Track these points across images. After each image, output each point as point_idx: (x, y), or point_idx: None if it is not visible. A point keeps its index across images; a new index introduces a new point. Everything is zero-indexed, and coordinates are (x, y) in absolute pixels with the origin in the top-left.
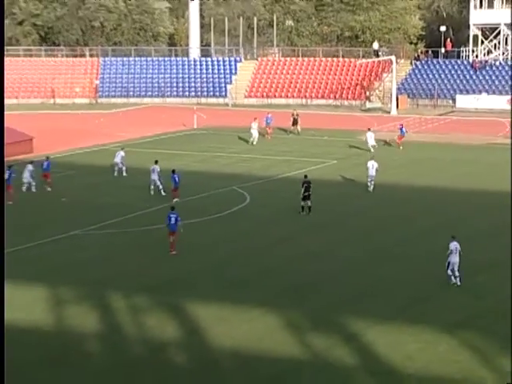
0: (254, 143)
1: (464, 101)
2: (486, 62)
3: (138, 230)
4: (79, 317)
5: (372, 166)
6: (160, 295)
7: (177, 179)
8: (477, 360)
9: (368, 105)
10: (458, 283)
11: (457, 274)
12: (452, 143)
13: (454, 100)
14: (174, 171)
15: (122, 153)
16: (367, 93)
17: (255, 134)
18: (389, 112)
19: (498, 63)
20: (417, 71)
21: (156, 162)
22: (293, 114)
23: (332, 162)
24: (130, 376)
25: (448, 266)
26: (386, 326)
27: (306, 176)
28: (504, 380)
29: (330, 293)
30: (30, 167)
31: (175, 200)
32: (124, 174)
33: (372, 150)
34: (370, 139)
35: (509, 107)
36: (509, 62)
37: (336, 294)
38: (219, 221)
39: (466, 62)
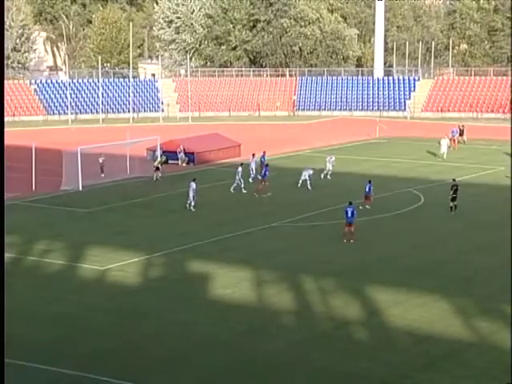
0: (445, 157)
1: None
2: None
3: (325, 223)
4: (276, 295)
5: None
6: (344, 280)
7: (367, 188)
8: None
9: None
10: None
11: None
12: None
13: None
14: (370, 181)
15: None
16: None
17: (444, 149)
18: None
19: None
20: None
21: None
22: (459, 126)
23: (500, 168)
24: (318, 347)
25: None
26: None
27: (454, 180)
28: None
29: (496, 284)
30: (239, 169)
31: (367, 206)
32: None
33: None
34: None
35: None
36: None
37: (502, 285)
38: (397, 217)
39: None
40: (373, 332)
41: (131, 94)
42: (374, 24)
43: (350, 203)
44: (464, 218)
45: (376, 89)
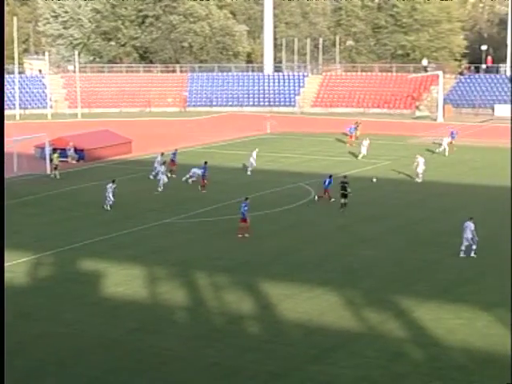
0: (360, 158)
1: (502, 110)
2: None
3: (217, 219)
4: (169, 292)
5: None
6: (237, 275)
7: (326, 183)
8: (509, 334)
9: (417, 113)
10: (474, 255)
11: (462, 247)
12: (491, 147)
13: (493, 109)
14: (330, 176)
15: (159, 158)
16: (417, 103)
17: (364, 150)
18: (435, 120)
19: None
20: (460, 84)
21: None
22: (356, 122)
23: (385, 162)
24: (211, 342)
25: (462, 242)
26: (430, 305)
27: (345, 177)
28: None
29: (381, 275)
30: (159, 158)
31: (332, 199)
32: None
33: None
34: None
35: None
36: None
37: (387, 276)
38: (288, 212)
39: (504, 77)
40: (265, 326)
41: (17, 91)
42: (262, 20)
43: (246, 199)
44: (351, 212)
45: (266, 85)
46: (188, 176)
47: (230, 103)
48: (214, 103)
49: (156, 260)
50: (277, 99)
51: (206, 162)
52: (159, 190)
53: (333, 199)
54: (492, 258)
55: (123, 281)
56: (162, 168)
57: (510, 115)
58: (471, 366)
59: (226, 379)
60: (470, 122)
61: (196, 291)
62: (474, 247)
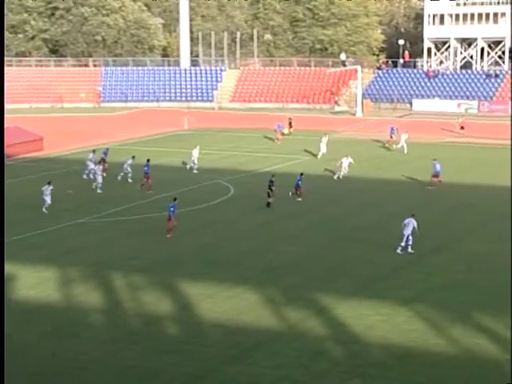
0: (319, 157)
1: (419, 104)
2: (438, 71)
3: (133, 218)
4: (84, 294)
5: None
6: (154, 275)
7: (298, 181)
8: (430, 329)
9: (336, 108)
10: (412, 251)
11: (409, 242)
12: (408, 142)
13: (410, 104)
14: (301, 174)
15: (130, 161)
16: (336, 98)
17: (323, 148)
18: (354, 114)
19: (448, 72)
20: (379, 79)
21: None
22: (290, 119)
23: (305, 158)
24: (127, 345)
25: (402, 239)
26: (351, 301)
27: (273, 175)
28: (453, 346)
29: (302, 272)
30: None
31: (298, 199)
32: (129, 180)
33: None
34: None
35: (458, 110)
36: (457, 71)
37: (308, 273)
38: (207, 209)
39: (421, 71)
40: (183, 327)
41: None
42: (178, 13)
43: (175, 199)
44: (271, 209)
45: (183, 79)
46: (123, 174)
47: (146, 98)
48: (130, 98)
49: (70, 261)
50: (194, 94)
51: (148, 160)
52: (98, 191)
53: (299, 199)
54: (409, 253)
55: (35, 283)
56: (98, 168)
57: (426, 110)
58: (390, 362)
59: (144, 382)
60: (388, 117)
61: (112, 292)
62: (411, 243)
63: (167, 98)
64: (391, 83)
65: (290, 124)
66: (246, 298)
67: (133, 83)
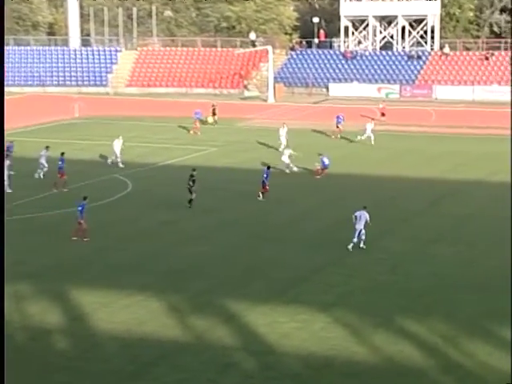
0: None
1: (337, 89)
2: (357, 52)
3: (20, 217)
4: None
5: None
6: (42, 282)
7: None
8: (350, 337)
9: (246, 93)
10: (364, 246)
11: (362, 237)
12: (324, 130)
13: (327, 88)
14: (268, 167)
15: (44, 151)
16: (245, 82)
17: (284, 141)
18: (266, 100)
19: (367, 53)
20: (292, 61)
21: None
22: (213, 106)
23: (212, 149)
24: (11, 362)
25: (354, 233)
26: (265, 307)
27: (194, 169)
28: (375, 354)
29: (211, 276)
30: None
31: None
32: (41, 176)
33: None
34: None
35: (379, 95)
36: (377, 52)
37: (217, 277)
38: (103, 208)
39: (338, 52)
40: (75, 340)
41: None
42: None
43: (85, 198)
44: (178, 206)
45: (72, 61)
46: (39, 170)
47: (30, 82)
48: (11, 82)
49: None
50: (86, 78)
51: (62, 153)
52: (8, 190)
53: (260, 197)
54: (329, 253)
55: None
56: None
57: (343, 95)
58: (307, 374)
59: None
60: (303, 103)
61: None
62: (364, 237)
63: (54, 83)
64: (306, 65)
65: (214, 112)
66: (146, 305)
67: (14, 65)
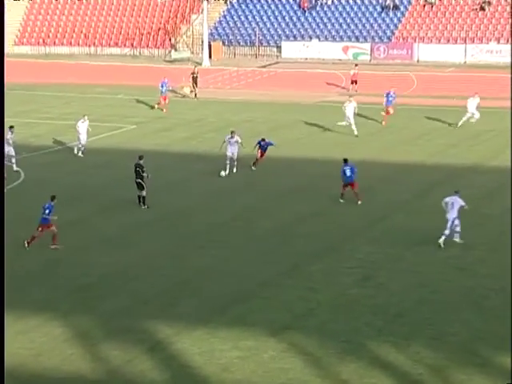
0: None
1: (291, 49)
2: (316, 1)
3: None
4: None
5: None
6: None
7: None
8: (310, 367)
9: (174, 54)
10: (460, 240)
11: (457, 229)
12: (276, 102)
13: (279, 48)
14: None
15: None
16: (172, 39)
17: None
18: (200, 63)
19: (329, 2)
20: (233, 12)
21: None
22: (193, 73)
23: (130, 126)
24: None
25: (446, 224)
26: (200, 332)
27: (140, 157)
28: None
29: (130, 292)
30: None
31: None
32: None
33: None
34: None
35: (345, 56)
36: (343, 1)
37: (138, 293)
38: None
39: (292, 2)
40: None
41: None
42: None
43: (53, 198)
44: (87, 200)
45: None
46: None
47: None
48: None
49: None
50: None
51: None
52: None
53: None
54: (283, 259)
55: None
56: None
57: (300, 56)
58: None
59: None
60: (248, 67)
61: None
62: (458, 229)
63: None
64: (251, 18)
65: (195, 80)
66: (47, 331)
67: None
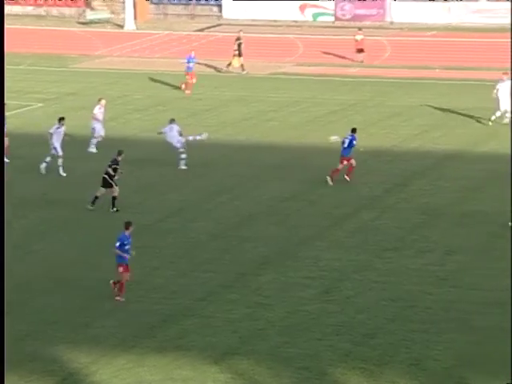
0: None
1: (235, 8)
2: None
3: None
4: None
5: None
6: None
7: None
8: None
9: (89, 15)
10: None
11: None
12: (217, 74)
13: (219, 7)
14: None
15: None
16: None
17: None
18: (122, 26)
19: None
20: None
21: None
22: (238, 38)
23: (37, 104)
24: None
25: None
26: (122, 360)
27: (120, 152)
28: None
29: (32, 310)
30: None
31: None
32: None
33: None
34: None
35: (303, 17)
36: None
37: (43, 311)
38: None
39: None
40: None
41: None
42: None
43: None
44: None
45: None
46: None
47: None
48: None
49: None
50: None
51: None
52: None
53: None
54: (224, 269)
55: None
56: None
57: (245, 18)
58: None
59: None
60: (183, 31)
61: None
62: None
63: None
64: None
65: (240, 49)
66: None
67: None
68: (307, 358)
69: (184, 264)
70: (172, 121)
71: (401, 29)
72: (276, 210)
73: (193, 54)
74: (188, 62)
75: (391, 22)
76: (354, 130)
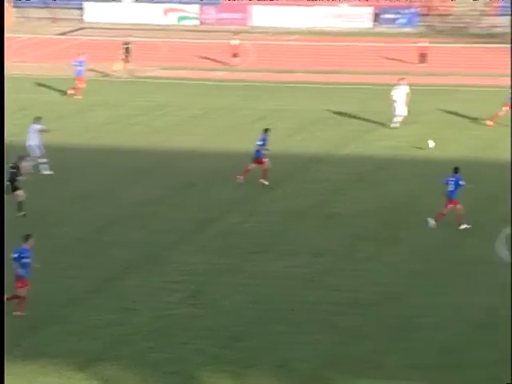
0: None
1: (96, 11)
2: None
3: None
4: None
5: None
6: None
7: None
8: None
9: None
10: None
11: None
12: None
13: (81, 10)
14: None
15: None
16: None
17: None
18: None
19: None
20: None
21: None
22: (125, 43)
23: None
24: None
25: None
26: None
27: (21, 158)
28: None
29: None
30: None
31: None
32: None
33: None
34: None
35: (167, 20)
36: None
37: None
38: None
39: None
40: None
41: None
42: None
43: (27, 238)
44: None
45: None
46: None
47: None
48: None
49: None
50: None
51: None
52: None
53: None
54: (88, 274)
55: None
56: None
57: (114, 21)
58: None
59: None
60: (45, 34)
61: None
62: None
63: None
64: None
65: (128, 53)
66: None
67: None
68: (174, 362)
69: (47, 270)
70: (37, 119)
71: (265, 33)
72: (140, 214)
73: (83, 58)
74: (77, 66)
75: (252, 27)
76: (266, 131)
